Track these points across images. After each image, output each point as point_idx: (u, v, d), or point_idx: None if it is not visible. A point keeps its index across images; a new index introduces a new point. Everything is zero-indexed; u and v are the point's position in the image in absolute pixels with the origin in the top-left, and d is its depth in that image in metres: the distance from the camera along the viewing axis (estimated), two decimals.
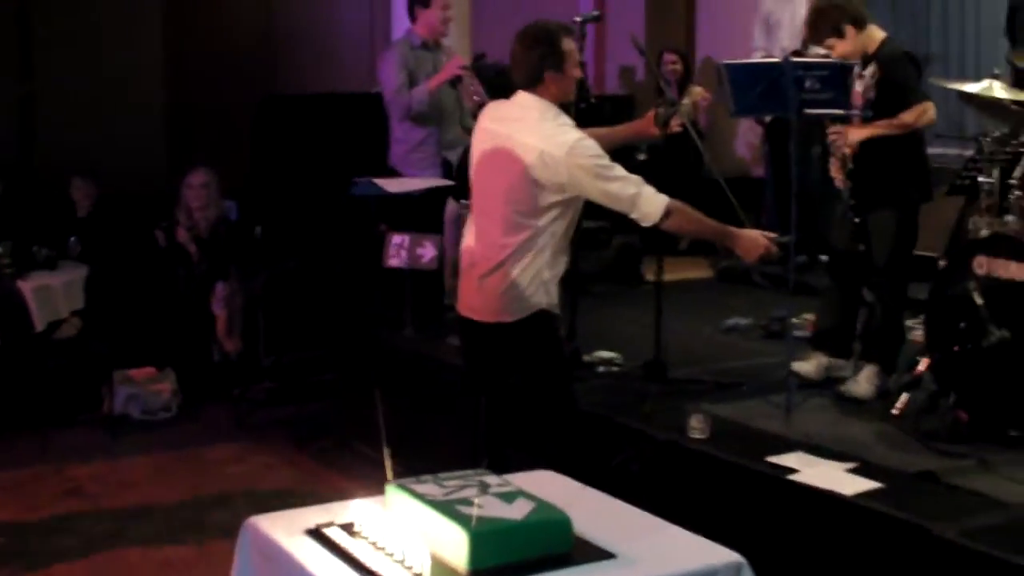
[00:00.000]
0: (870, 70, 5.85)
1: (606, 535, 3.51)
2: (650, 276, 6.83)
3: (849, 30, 5.97)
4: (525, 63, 5.06)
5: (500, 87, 5.61)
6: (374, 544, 3.43)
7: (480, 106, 7.48)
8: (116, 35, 11.09)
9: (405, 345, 7.51)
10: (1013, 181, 5.72)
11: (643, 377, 6.50)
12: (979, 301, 5.39)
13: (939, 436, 5.42)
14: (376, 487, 3.77)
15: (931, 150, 7.74)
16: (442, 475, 3.66)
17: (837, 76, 5.72)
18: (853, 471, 5.00)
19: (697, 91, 10.82)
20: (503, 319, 5.07)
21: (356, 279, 8.55)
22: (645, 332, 6.65)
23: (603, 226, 9.01)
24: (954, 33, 9.26)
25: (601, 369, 6.77)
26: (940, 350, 5.61)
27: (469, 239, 5.27)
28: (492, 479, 3.66)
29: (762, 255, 5.24)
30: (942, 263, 5.81)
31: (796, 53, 8.53)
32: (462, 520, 3.29)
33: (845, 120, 5.95)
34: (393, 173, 8.02)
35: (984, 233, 5.78)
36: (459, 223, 7.47)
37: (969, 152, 7.20)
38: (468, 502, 3.41)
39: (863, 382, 6.13)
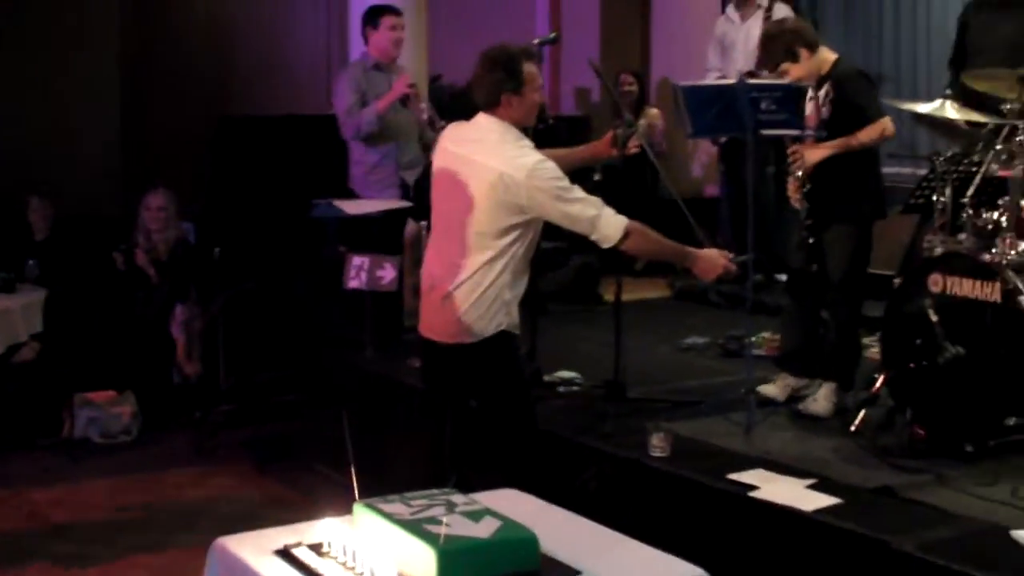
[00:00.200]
0: (823, 90, 5.94)
1: (571, 552, 3.54)
2: (608, 296, 6.88)
3: (803, 53, 6.05)
4: (486, 85, 5.11)
5: (457, 109, 5.66)
6: (343, 564, 3.46)
7: (430, 122, 7.55)
8: (72, 56, 11.07)
9: (366, 366, 7.54)
10: (965, 200, 5.79)
11: (603, 396, 6.55)
12: (934, 318, 5.47)
13: (896, 452, 5.50)
14: (340, 507, 3.79)
15: (885, 169, 7.83)
16: (409, 494, 3.70)
17: (791, 97, 5.80)
18: (812, 487, 5.05)
19: (653, 112, 10.98)
20: (464, 340, 5.11)
21: (316, 301, 8.57)
22: (604, 352, 6.69)
23: (561, 246, 9.06)
24: (906, 53, 9.37)
25: (561, 389, 6.80)
26: (896, 367, 5.69)
27: (429, 260, 5.31)
28: (459, 498, 3.69)
29: (720, 275, 5.32)
30: (897, 281, 5.88)
31: (750, 74, 8.64)
32: (430, 539, 3.32)
33: (799, 140, 6.03)
34: (352, 194, 8.04)
35: (938, 251, 5.86)
36: (419, 244, 7.52)
37: (922, 171, 7.30)
38: (436, 521, 3.44)
39: (821, 400, 6.19)
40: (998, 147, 5.71)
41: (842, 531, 4.65)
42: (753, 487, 5.06)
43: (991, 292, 5.33)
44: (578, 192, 5.01)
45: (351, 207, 7.68)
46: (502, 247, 5.03)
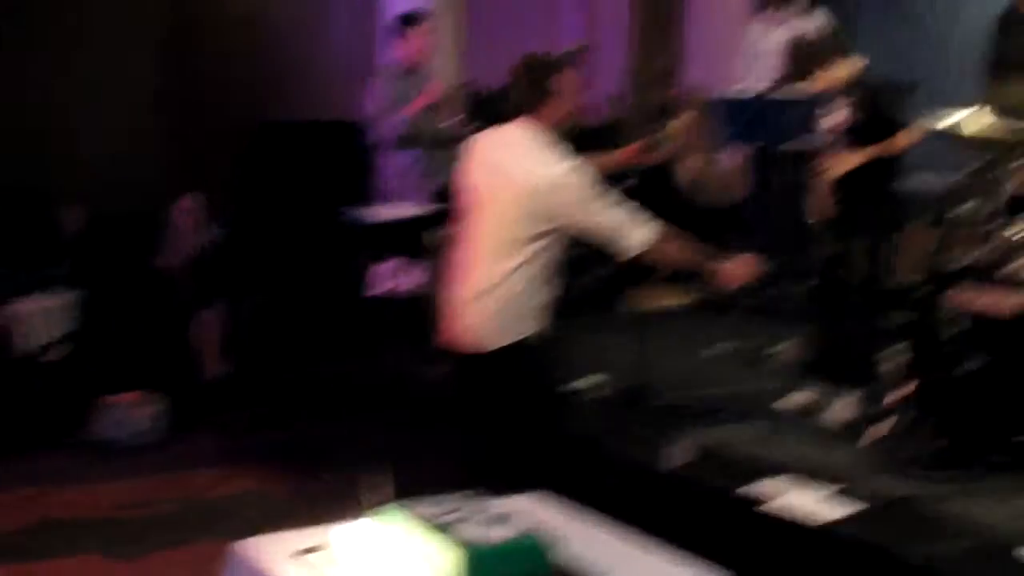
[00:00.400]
0: (850, 100, 5.97)
1: (595, 557, 3.56)
2: (632, 304, 6.90)
3: (832, 62, 6.10)
4: (521, 93, 5.16)
5: (491, 113, 5.69)
6: (361, 567, 3.49)
7: (460, 133, 7.59)
8: (109, 62, 11.15)
9: (392, 371, 7.58)
10: (990, 213, 5.81)
11: (627, 403, 6.58)
12: (956, 330, 5.49)
13: (918, 462, 5.51)
14: (366, 511, 3.82)
15: (911, 179, 7.87)
16: (433, 498, 3.73)
17: (814, 109, 5.84)
18: (833, 496, 5.08)
19: (686, 118, 10.97)
20: (491, 346, 5.15)
21: (343, 305, 8.61)
22: (628, 359, 6.73)
23: (585, 253, 9.06)
24: (942, 59, 9.36)
25: (587, 395, 6.84)
26: (919, 377, 5.70)
27: (458, 265, 5.34)
28: (481, 502, 3.72)
29: (744, 282, 5.35)
30: (921, 292, 5.90)
31: (782, 82, 8.66)
32: (451, 543, 3.35)
33: (822, 152, 6.07)
34: (381, 200, 8.09)
35: (962, 263, 5.88)
36: (446, 250, 7.55)
37: (948, 183, 7.31)
38: (459, 524, 3.47)
39: (844, 408, 6.21)
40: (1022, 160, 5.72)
41: (862, 542, 4.67)
42: (773, 495, 5.10)
43: (1013, 304, 5.34)
44: (608, 200, 5.04)
45: (379, 213, 7.73)
46: (531, 254, 5.07)
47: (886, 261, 6.27)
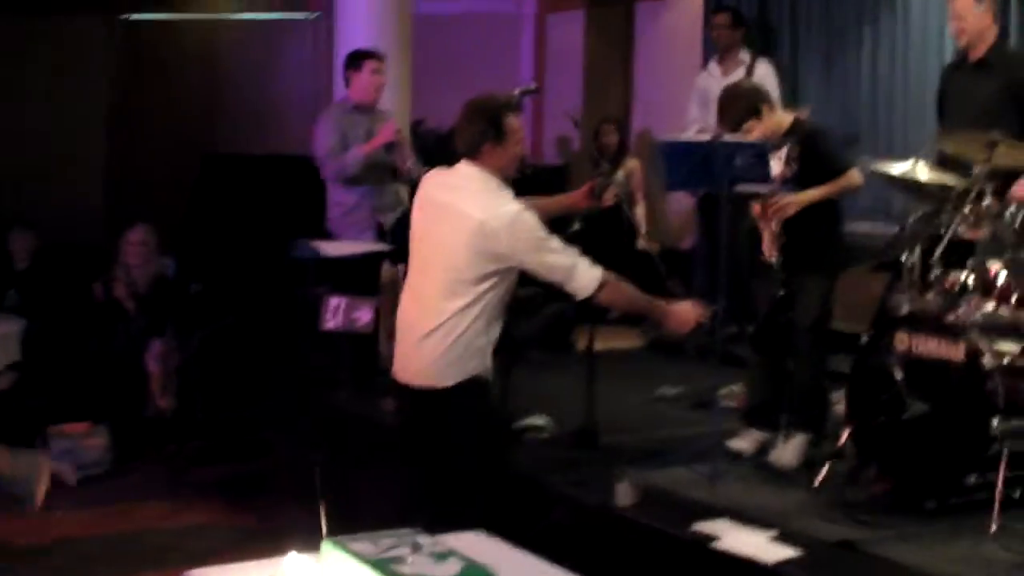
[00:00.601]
0: (785, 149, 6.06)
1: None
2: (582, 344, 6.95)
3: (765, 110, 6.21)
4: (468, 135, 5.20)
5: (440, 154, 5.74)
6: None
7: (413, 175, 7.63)
8: (59, 90, 11.16)
9: (340, 406, 7.60)
10: (934, 260, 5.88)
11: (574, 443, 6.63)
12: (899, 375, 5.57)
13: (859, 506, 5.56)
14: (309, 545, 3.85)
15: (858, 227, 7.98)
16: (376, 533, 3.75)
17: (764, 154, 5.91)
18: (776, 539, 5.11)
19: (632, 164, 11.07)
20: (437, 383, 5.18)
21: (293, 339, 8.62)
22: (577, 399, 6.77)
23: (536, 293, 9.10)
24: (883, 113, 9.48)
25: (532, 435, 6.87)
26: (860, 422, 5.78)
27: (405, 303, 5.38)
28: (425, 539, 3.75)
29: (692, 327, 5.42)
30: (864, 337, 5.97)
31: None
32: None
33: (766, 197, 6.14)
34: (330, 236, 8.12)
35: (905, 310, 5.95)
36: (395, 287, 7.59)
37: (894, 230, 7.40)
38: (401, 560, 3.51)
39: (790, 451, 6.27)
40: (966, 209, 5.80)
41: None
42: (717, 537, 5.13)
43: (956, 352, 5.42)
44: (556, 243, 5.11)
45: (330, 248, 7.77)
46: (478, 293, 5.11)
47: (831, 305, 6.34)
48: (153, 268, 9.42)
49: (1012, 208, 5.79)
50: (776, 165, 6.07)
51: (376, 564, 3.49)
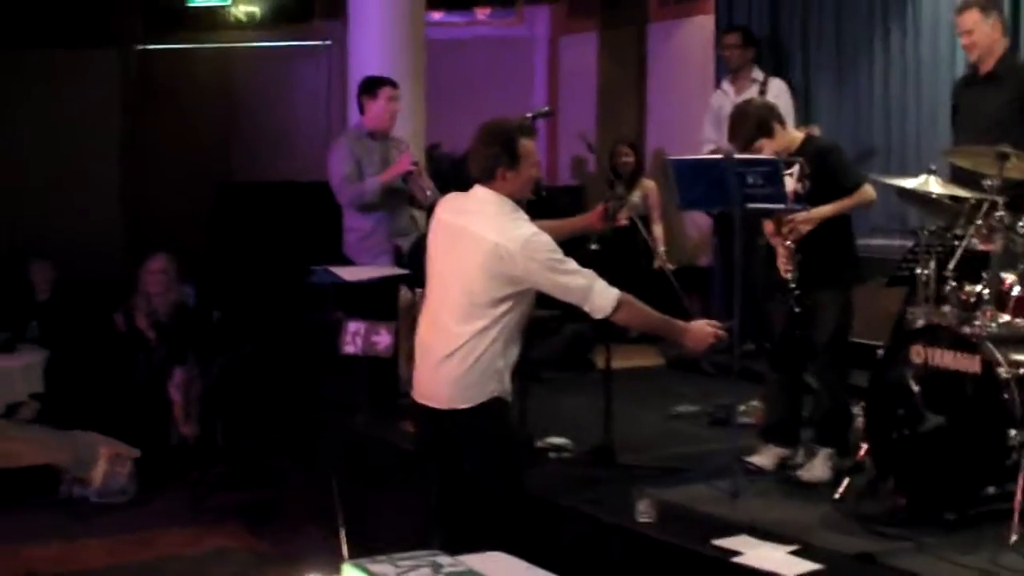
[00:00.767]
0: (796, 167, 6.09)
1: None
2: (601, 364, 6.99)
3: (776, 128, 6.25)
4: (482, 159, 5.22)
5: (455, 178, 5.77)
6: None
7: (431, 201, 7.66)
8: (76, 121, 11.24)
9: (360, 430, 7.63)
10: (948, 273, 5.91)
11: (592, 463, 6.66)
12: (915, 388, 5.59)
13: (878, 519, 5.61)
14: (329, 568, 3.88)
15: (873, 242, 8.00)
16: (396, 555, 3.78)
17: (776, 172, 5.94)
18: (795, 553, 5.15)
19: (648, 184, 11.11)
20: (457, 405, 5.20)
21: (312, 365, 8.66)
22: (595, 418, 6.80)
23: (555, 314, 9.16)
24: (896, 128, 9.50)
25: (552, 455, 6.90)
26: (878, 436, 5.80)
27: (424, 327, 5.40)
28: (444, 559, 3.78)
29: (710, 344, 5.45)
30: (880, 351, 6.00)
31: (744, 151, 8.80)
32: None
33: (783, 214, 6.17)
34: (346, 261, 8.17)
35: (920, 323, 5.98)
36: (413, 311, 7.63)
37: (909, 244, 7.43)
38: None
39: (818, 466, 6.29)
40: (979, 222, 5.84)
41: None
42: (737, 552, 5.17)
43: (971, 364, 5.45)
44: (571, 264, 5.13)
45: (348, 273, 7.81)
46: (496, 316, 5.13)
47: (849, 320, 6.38)
48: (173, 297, 9.46)
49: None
50: (789, 183, 6.10)
51: None
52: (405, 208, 8.29)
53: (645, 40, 12.83)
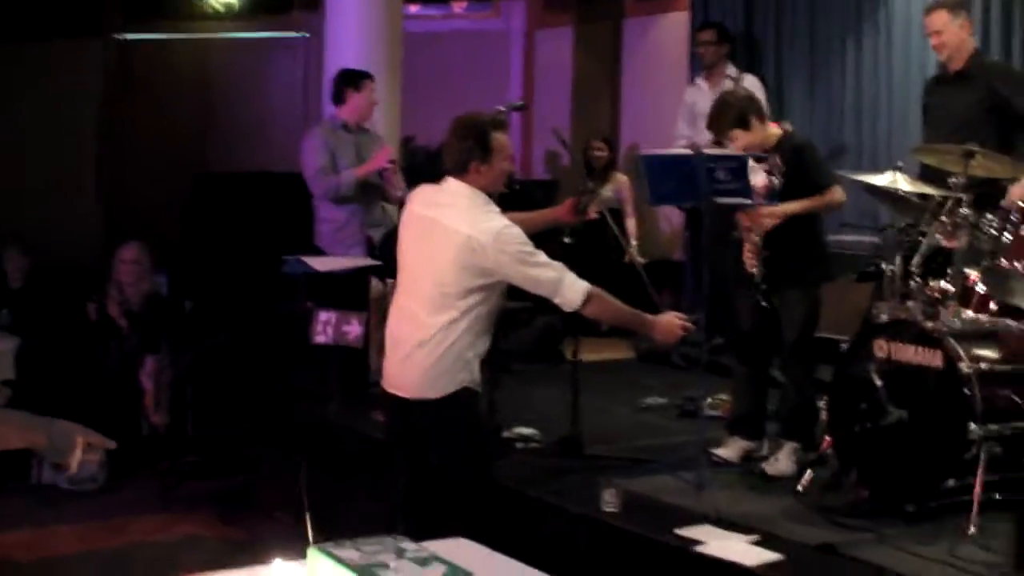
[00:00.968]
0: (771, 162, 6.14)
1: None
2: (570, 355, 7.04)
3: (754, 121, 6.30)
4: (455, 153, 5.27)
5: (429, 170, 5.81)
6: None
7: (401, 199, 7.70)
8: (52, 112, 11.24)
9: (330, 419, 7.68)
10: (913, 269, 5.98)
11: (560, 453, 6.71)
12: (878, 382, 5.66)
13: (841, 511, 5.67)
14: (297, 554, 3.93)
15: (844, 238, 8.07)
16: (360, 540, 3.83)
17: (743, 168, 5.99)
18: (757, 543, 5.20)
19: (621, 178, 11.18)
20: (426, 395, 5.25)
21: (284, 354, 8.69)
22: (564, 410, 6.86)
23: (526, 306, 9.20)
24: (867, 126, 9.58)
25: (520, 445, 6.95)
26: (841, 429, 5.87)
27: (394, 317, 5.45)
28: (408, 545, 3.82)
29: (678, 337, 5.51)
30: (844, 346, 6.06)
31: (718, 143, 8.85)
32: None
33: (751, 209, 6.22)
34: (319, 252, 8.20)
35: (884, 317, 6.05)
36: (383, 302, 7.68)
37: (874, 239, 7.52)
38: (384, 565, 3.59)
39: (784, 459, 6.35)
40: (943, 219, 5.90)
41: None
42: (699, 542, 5.22)
43: (934, 358, 5.52)
44: (541, 257, 5.17)
45: (320, 264, 7.84)
46: (466, 307, 5.18)
47: (815, 318, 6.43)
48: (146, 286, 9.48)
49: (987, 216, 5.88)
50: (760, 178, 6.15)
51: (360, 570, 3.56)
52: (378, 201, 8.33)
53: (621, 35, 12.90)
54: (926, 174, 6.92)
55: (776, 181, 6.11)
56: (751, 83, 9.81)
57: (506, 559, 4.22)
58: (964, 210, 5.87)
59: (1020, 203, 5.78)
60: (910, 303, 6.02)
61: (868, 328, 6.09)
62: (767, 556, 5.06)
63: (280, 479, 7.71)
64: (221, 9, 12.78)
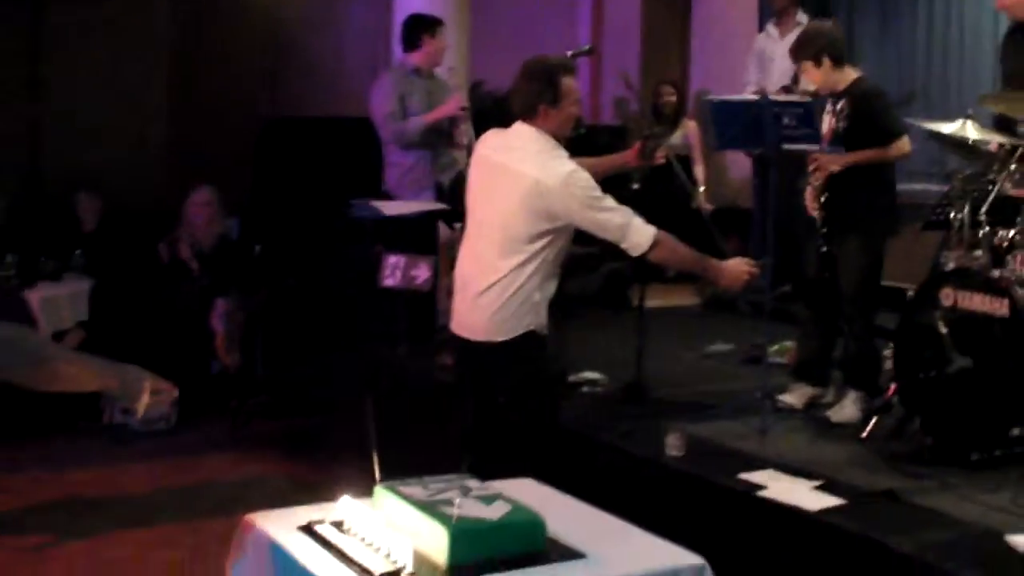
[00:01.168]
0: (839, 106, 6.12)
1: (579, 537, 3.75)
2: (637, 301, 7.06)
3: (826, 62, 6.26)
4: (524, 96, 5.28)
5: (497, 115, 5.83)
6: (362, 540, 3.68)
7: (468, 147, 7.73)
8: (123, 56, 11.31)
9: (398, 362, 7.75)
10: (981, 218, 5.95)
11: (624, 398, 6.76)
12: (944, 331, 5.65)
13: (905, 458, 5.67)
14: (364, 493, 4.01)
15: (911, 187, 8.02)
16: (427, 478, 3.91)
17: (812, 113, 5.97)
18: (819, 488, 5.22)
19: (690, 124, 11.15)
20: (494, 338, 5.29)
21: (352, 298, 8.76)
22: (629, 356, 6.89)
23: (593, 252, 9.22)
24: (937, 72, 9.52)
25: (585, 389, 7.00)
26: (907, 377, 5.87)
27: (463, 261, 5.49)
28: (474, 483, 3.90)
29: (744, 282, 5.52)
30: (911, 294, 6.05)
31: (787, 89, 8.83)
32: (443, 519, 3.53)
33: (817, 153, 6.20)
34: (388, 196, 8.24)
35: (951, 266, 6.03)
36: (452, 246, 7.73)
37: (942, 188, 7.47)
38: (450, 502, 3.66)
39: (849, 406, 6.35)
40: (1012, 167, 5.87)
41: (843, 531, 4.83)
42: (761, 486, 5.25)
43: (1000, 307, 5.48)
44: (609, 201, 5.19)
45: (388, 208, 7.88)
46: (534, 251, 5.21)
47: (875, 269, 6.40)
48: (217, 229, 9.59)
49: None
50: (827, 121, 6.14)
51: (424, 506, 3.64)
52: (446, 146, 8.35)
53: None
54: (998, 122, 6.85)
55: (841, 126, 6.09)
56: None
57: (571, 499, 4.28)
58: None
59: None
60: (977, 252, 5.99)
61: (934, 276, 6.05)
62: (829, 501, 5.08)
63: (348, 421, 7.79)
64: None
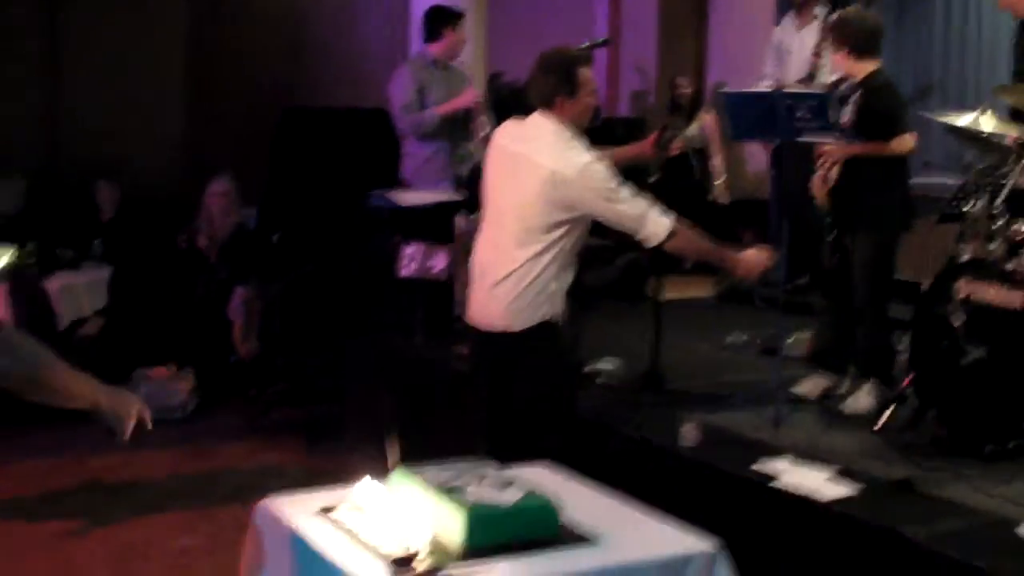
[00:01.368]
0: (855, 96, 6.13)
1: (593, 522, 3.79)
2: (654, 293, 7.08)
3: (845, 49, 6.27)
4: (541, 87, 5.30)
5: (515, 106, 5.85)
6: (378, 523, 3.71)
7: (485, 139, 7.76)
8: (140, 45, 11.35)
9: (415, 351, 7.77)
10: (996, 210, 5.95)
11: (640, 387, 6.78)
12: (958, 322, 5.66)
13: (919, 449, 5.68)
14: (381, 479, 4.04)
15: (929, 180, 8.02)
16: (444, 463, 3.94)
17: (826, 105, 5.98)
18: (834, 478, 5.24)
19: (707, 116, 11.14)
20: (510, 327, 5.31)
21: (370, 287, 8.79)
22: (645, 347, 6.90)
23: (609, 244, 9.24)
24: (955, 65, 9.52)
25: (601, 379, 7.02)
26: (921, 368, 5.88)
27: (480, 250, 5.51)
28: (489, 469, 3.93)
29: (761, 272, 5.54)
30: (925, 286, 6.05)
31: (804, 81, 8.83)
32: (459, 503, 3.58)
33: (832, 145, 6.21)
34: (405, 186, 8.28)
35: (966, 258, 6.03)
36: (469, 236, 7.76)
37: (957, 180, 7.47)
38: (465, 488, 3.69)
39: (863, 397, 6.36)
40: None
41: (858, 520, 4.85)
42: (775, 476, 5.27)
43: (1014, 299, 5.50)
44: (626, 192, 5.20)
45: (405, 198, 7.91)
46: (550, 241, 5.23)
47: (888, 262, 6.41)
48: (235, 218, 9.63)
49: None
50: (851, 111, 6.16)
51: (441, 490, 3.67)
52: (464, 138, 8.38)
53: None
54: (1014, 115, 6.85)
55: (852, 117, 6.11)
56: None
57: (586, 484, 4.31)
58: None
59: None
60: (992, 244, 5.99)
61: (950, 268, 6.06)
62: (843, 490, 5.10)
63: (365, 410, 7.83)
64: None
